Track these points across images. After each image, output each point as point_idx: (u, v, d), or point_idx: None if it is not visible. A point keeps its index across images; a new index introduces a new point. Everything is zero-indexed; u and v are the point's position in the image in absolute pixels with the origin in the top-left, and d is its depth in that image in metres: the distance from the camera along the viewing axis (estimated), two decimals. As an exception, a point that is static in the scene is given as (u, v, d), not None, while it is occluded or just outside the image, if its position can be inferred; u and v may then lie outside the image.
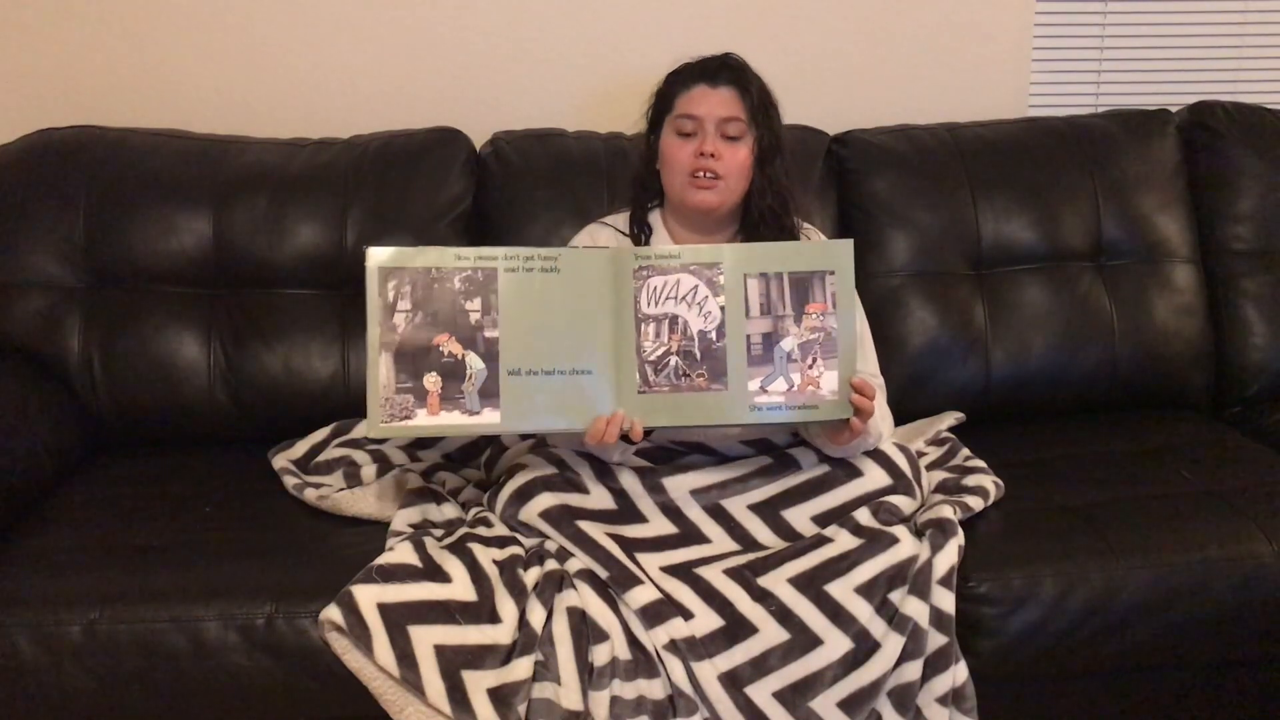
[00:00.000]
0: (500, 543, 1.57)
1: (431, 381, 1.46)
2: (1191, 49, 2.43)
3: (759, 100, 1.63)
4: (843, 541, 1.53)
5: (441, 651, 1.42)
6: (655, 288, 1.49)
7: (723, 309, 1.49)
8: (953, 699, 1.51)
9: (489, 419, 1.46)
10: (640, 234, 1.72)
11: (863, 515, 1.57)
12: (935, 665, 1.50)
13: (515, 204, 2.06)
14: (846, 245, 1.51)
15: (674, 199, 1.68)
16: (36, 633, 1.47)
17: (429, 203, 2.02)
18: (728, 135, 1.62)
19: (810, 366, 1.49)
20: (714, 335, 1.49)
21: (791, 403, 1.49)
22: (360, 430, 1.87)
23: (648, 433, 1.51)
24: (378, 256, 1.46)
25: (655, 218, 1.74)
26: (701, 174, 1.61)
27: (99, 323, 1.94)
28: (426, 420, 1.46)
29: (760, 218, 1.66)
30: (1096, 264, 2.10)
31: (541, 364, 1.48)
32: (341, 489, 1.74)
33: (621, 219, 1.75)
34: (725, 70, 1.64)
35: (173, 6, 2.18)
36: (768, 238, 1.64)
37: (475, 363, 1.47)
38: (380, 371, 1.45)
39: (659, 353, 1.49)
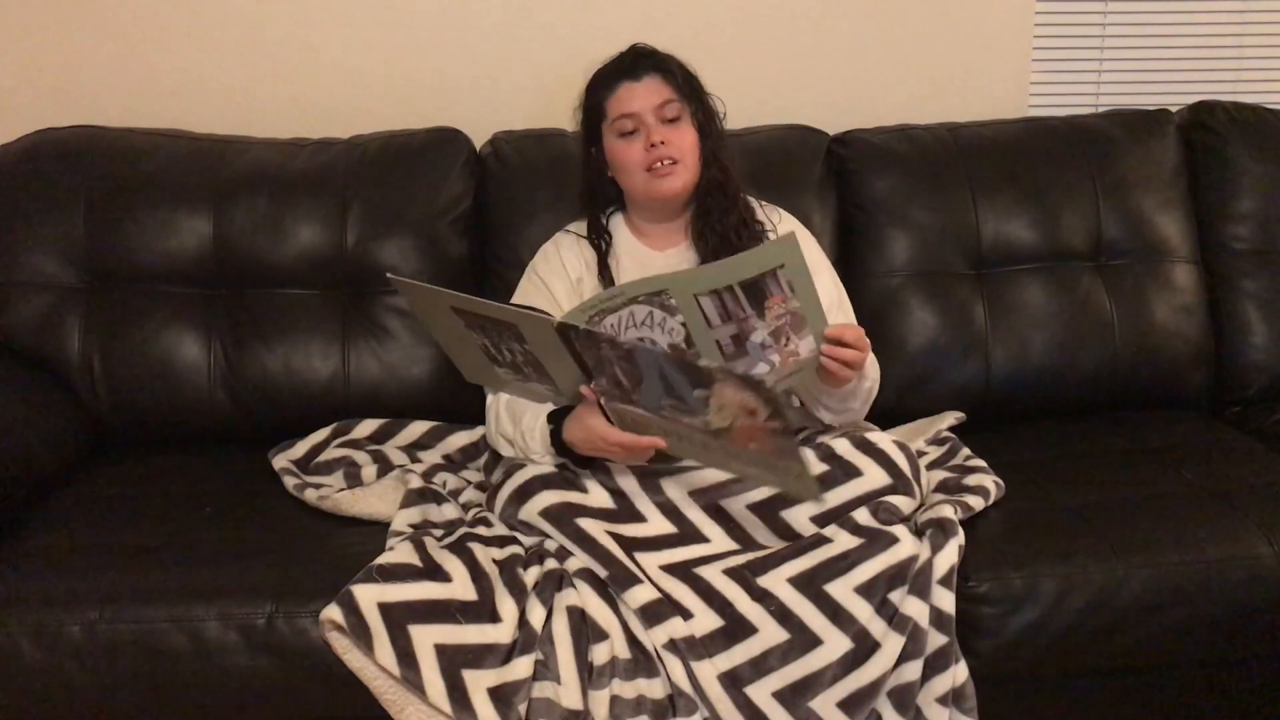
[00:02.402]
0: (500, 542, 1.58)
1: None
2: (1191, 49, 2.43)
3: (683, 77, 1.67)
4: (842, 541, 1.53)
5: (442, 651, 1.42)
6: (611, 325, 1.46)
7: (684, 325, 1.46)
8: (953, 699, 1.51)
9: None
10: (600, 242, 1.75)
11: (862, 515, 1.57)
12: (935, 665, 1.50)
13: (515, 204, 2.05)
14: (790, 241, 1.40)
15: (639, 197, 1.70)
16: (36, 633, 1.47)
17: (429, 203, 2.02)
18: (667, 119, 1.65)
19: (786, 344, 1.48)
20: (684, 344, 1.47)
21: (780, 374, 1.50)
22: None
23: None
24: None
25: (615, 222, 1.78)
26: (660, 164, 1.63)
27: (99, 323, 1.94)
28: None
29: (708, 190, 1.69)
30: (1096, 264, 2.10)
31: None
32: (342, 489, 1.74)
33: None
34: (641, 60, 1.68)
35: (173, 6, 2.18)
36: (717, 211, 1.67)
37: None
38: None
39: None
